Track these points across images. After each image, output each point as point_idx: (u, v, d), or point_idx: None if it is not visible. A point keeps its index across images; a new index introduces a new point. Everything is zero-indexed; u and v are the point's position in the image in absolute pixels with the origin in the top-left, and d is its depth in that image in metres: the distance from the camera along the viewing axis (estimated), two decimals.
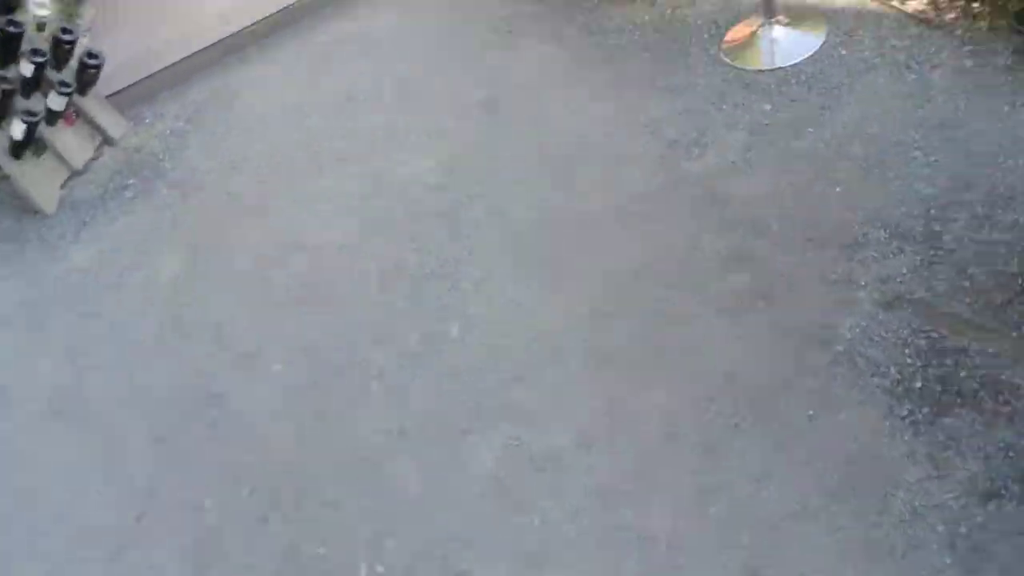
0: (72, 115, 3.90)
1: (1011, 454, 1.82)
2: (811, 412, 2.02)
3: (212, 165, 3.70)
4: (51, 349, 3.01)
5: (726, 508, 1.93)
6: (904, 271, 2.21)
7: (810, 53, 2.93)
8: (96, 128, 4.13)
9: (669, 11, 3.40)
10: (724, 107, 2.84)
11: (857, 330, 2.13)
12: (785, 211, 2.47)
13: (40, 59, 3.52)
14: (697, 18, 3.31)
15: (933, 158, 2.44)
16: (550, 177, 2.91)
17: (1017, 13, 2.68)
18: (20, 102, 3.60)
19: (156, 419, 2.62)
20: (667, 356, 2.26)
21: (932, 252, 2.22)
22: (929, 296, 2.14)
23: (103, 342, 2.95)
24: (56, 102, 3.67)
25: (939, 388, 1.97)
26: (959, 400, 1.93)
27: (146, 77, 4.55)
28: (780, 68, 2.91)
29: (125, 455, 2.56)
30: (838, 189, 2.48)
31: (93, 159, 4.05)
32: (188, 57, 4.57)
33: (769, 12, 3.03)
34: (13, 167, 3.66)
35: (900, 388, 1.99)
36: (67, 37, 3.68)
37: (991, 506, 1.76)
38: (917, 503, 1.80)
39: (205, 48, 4.58)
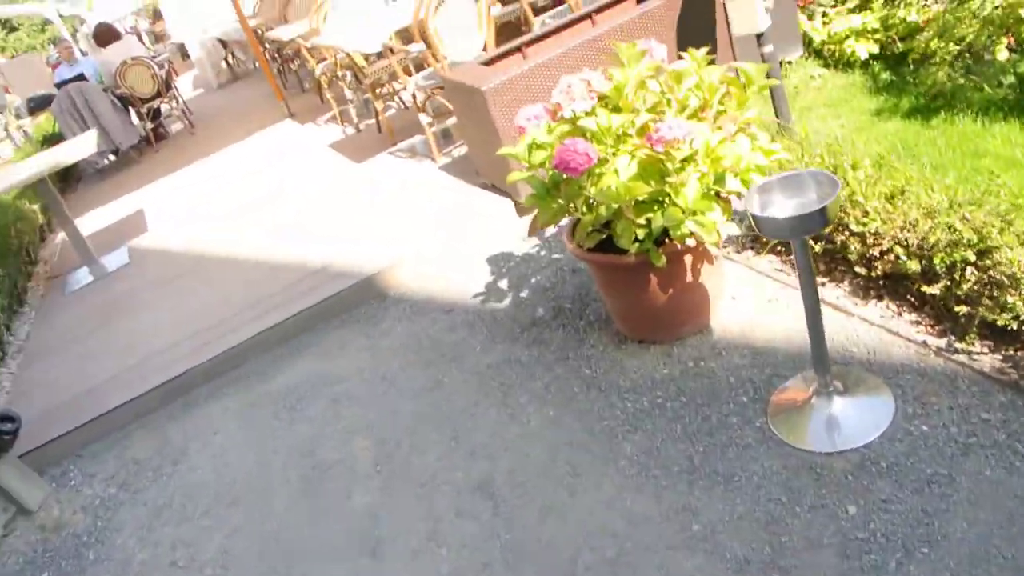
0: None
1: None
2: None
3: (147, 556, 2.97)
4: None
5: None
6: None
7: (883, 429, 2.42)
8: (7, 497, 3.43)
9: (692, 364, 2.94)
10: (797, 509, 2.26)
11: None
12: None
13: None
14: (727, 374, 2.84)
15: None
16: None
17: None
18: None
19: None
20: None
21: None
22: None
23: None
24: None
25: None
26: None
27: (75, 428, 3.94)
28: (851, 449, 2.39)
29: None
30: None
31: (2, 536, 3.32)
32: (126, 403, 4.01)
33: (822, 369, 2.56)
34: None
35: None
36: None
37: None
38: None
39: (146, 392, 4.03)
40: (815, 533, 2.17)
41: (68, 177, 9.90)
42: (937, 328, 2.72)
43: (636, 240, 2.68)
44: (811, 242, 3.01)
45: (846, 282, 3.07)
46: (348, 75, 6.79)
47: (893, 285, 2.92)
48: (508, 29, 6.27)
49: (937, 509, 2.14)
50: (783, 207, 2.26)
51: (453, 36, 5.44)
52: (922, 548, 2.05)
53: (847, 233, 2.93)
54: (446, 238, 4.52)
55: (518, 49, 4.76)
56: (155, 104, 9.92)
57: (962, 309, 2.57)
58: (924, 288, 2.68)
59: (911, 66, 4.76)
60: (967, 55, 4.39)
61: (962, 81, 4.35)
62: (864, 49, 5.00)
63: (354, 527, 2.76)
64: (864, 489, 2.25)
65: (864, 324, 2.85)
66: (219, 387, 3.88)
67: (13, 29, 30.31)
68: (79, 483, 3.58)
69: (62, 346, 4.89)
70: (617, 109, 2.69)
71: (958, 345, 2.62)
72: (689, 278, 2.90)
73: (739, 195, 2.67)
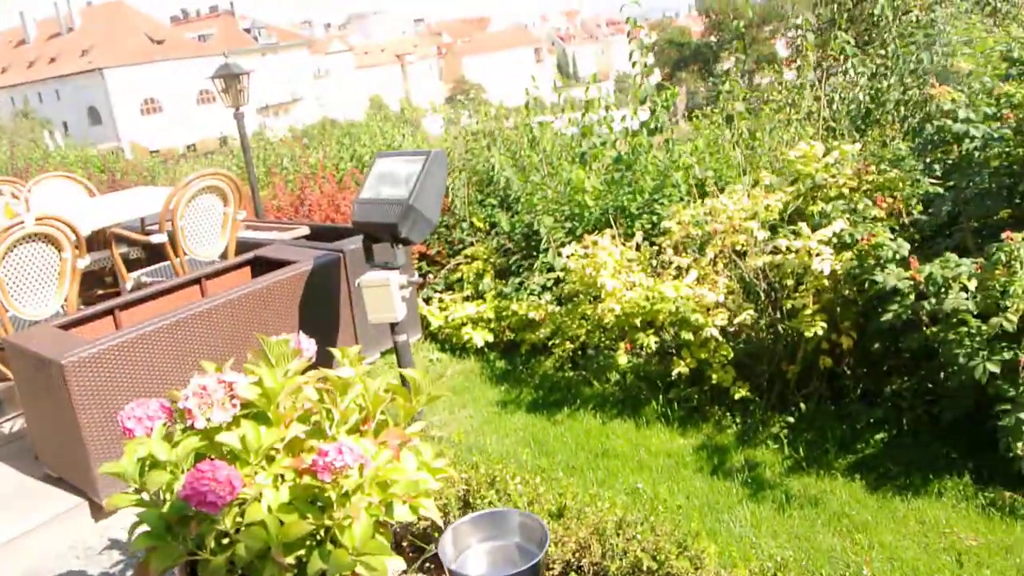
0: None
1: None
2: None
3: None
4: None
5: None
6: None
7: None
8: None
9: None
10: None
11: None
12: None
13: None
14: None
15: None
16: None
17: None
18: None
19: None
20: None
21: None
22: None
23: None
24: None
25: None
26: None
27: None
28: None
29: None
30: None
31: None
32: None
33: None
34: None
35: None
36: None
37: None
38: None
39: None
40: None
41: None
42: None
43: None
44: None
45: None
46: None
47: None
48: (91, 280, 5.41)
49: None
50: (478, 555, 1.89)
51: (196, 235, 4.86)
52: None
53: None
54: None
55: (109, 312, 4.01)
56: None
57: None
58: None
59: (524, 356, 4.96)
60: (579, 352, 4.68)
61: (573, 375, 4.59)
62: (480, 337, 5.13)
63: None
64: None
65: None
66: None
67: None
68: None
69: None
70: (266, 420, 2.17)
71: None
72: None
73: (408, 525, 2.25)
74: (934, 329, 3.49)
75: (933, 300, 3.43)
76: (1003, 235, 3.35)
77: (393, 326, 3.90)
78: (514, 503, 2.68)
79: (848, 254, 3.93)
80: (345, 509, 2.08)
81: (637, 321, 4.35)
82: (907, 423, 3.81)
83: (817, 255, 3.92)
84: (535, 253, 5.55)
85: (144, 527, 2.09)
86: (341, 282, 4.40)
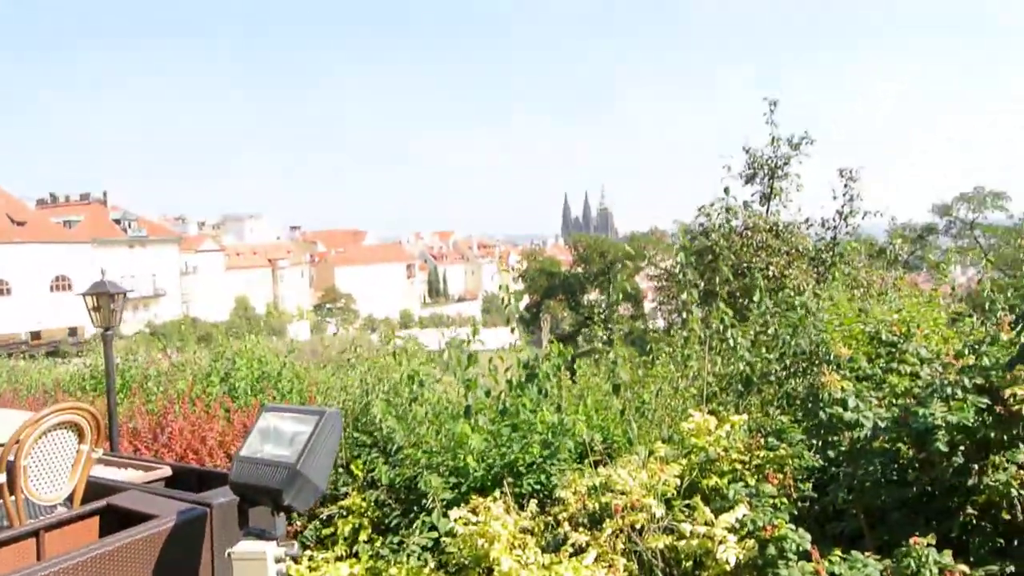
0: None
1: None
2: None
3: None
4: None
5: None
6: None
7: None
8: None
9: None
10: None
11: None
12: None
13: None
14: None
15: None
16: None
17: None
18: None
19: None
20: None
21: None
22: None
23: None
24: None
25: None
26: None
27: None
28: None
29: None
30: None
31: None
32: None
33: None
34: None
35: None
36: None
37: None
38: None
39: None
40: None
41: None
42: None
43: None
44: None
45: None
46: None
47: None
48: None
49: None
50: None
51: (42, 475, 4.25)
52: None
53: None
54: None
55: None
56: None
57: None
58: None
59: None
60: None
61: None
62: None
63: None
64: None
65: None
66: None
67: None
68: None
69: None
70: None
71: None
72: None
73: None
74: None
75: None
76: (911, 540, 3.36)
77: None
78: None
79: (751, 542, 3.84)
80: None
81: None
82: None
83: (721, 542, 3.82)
84: (416, 509, 5.21)
85: None
86: (205, 547, 3.91)
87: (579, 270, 50.90)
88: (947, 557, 3.32)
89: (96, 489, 4.46)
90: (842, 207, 12.35)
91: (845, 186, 12.29)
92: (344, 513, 5.34)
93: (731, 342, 6.05)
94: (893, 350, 5.14)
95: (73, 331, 61.56)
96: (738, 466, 4.57)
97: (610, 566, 4.06)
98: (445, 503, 4.97)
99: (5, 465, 4.15)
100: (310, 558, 5.03)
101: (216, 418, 6.50)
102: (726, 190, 11.14)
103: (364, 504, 5.35)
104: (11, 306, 60.71)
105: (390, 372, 6.60)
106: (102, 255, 67.73)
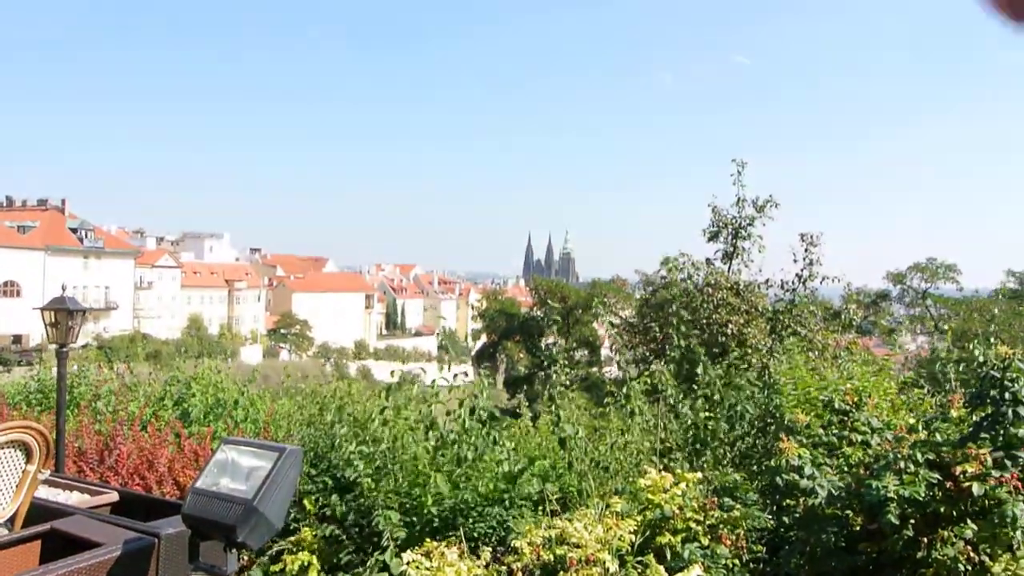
0: None
1: None
2: None
3: None
4: None
5: None
6: None
7: None
8: None
9: None
10: None
11: None
12: None
13: None
14: None
15: None
16: None
17: None
18: None
19: None
20: None
21: None
22: None
23: None
24: None
25: None
26: None
27: None
28: None
29: None
30: None
31: None
32: None
33: None
34: None
35: None
36: None
37: None
38: None
39: None
40: None
41: None
42: None
43: None
44: None
45: None
46: None
47: None
48: None
49: None
50: None
51: None
52: None
53: None
54: None
55: None
56: None
57: None
58: None
59: None
60: None
61: None
62: None
63: None
64: None
65: None
66: None
67: None
68: None
69: None
70: None
71: None
72: None
73: None
74: None
75: None
76: None
77: None
78: None
79: None
80: None
81: None
82: None
83: None
84: (368, 547, 5.13)
85: None
86: None
87: (538, 313, 51.01)
88: None
89: (39, 512, 4.32)
90: (802, 270, 12.61)
91: (806, 250, 12.55)
92: (294, 549, 5.23)
93: (678, 408, 6.15)
94: (845, 418, 5.25)
95: (18, 339, 59.92)
96: (693, 524, 4.59)
97: None
98: (399, 542, 4.91)
99: None
100: None
101: (166, 444, 6.35)
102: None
103: (315, 540, 5.26)
104: None
105: (351, 401, 6.53)
106: (55, 263, 66.29)
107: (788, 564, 4.24)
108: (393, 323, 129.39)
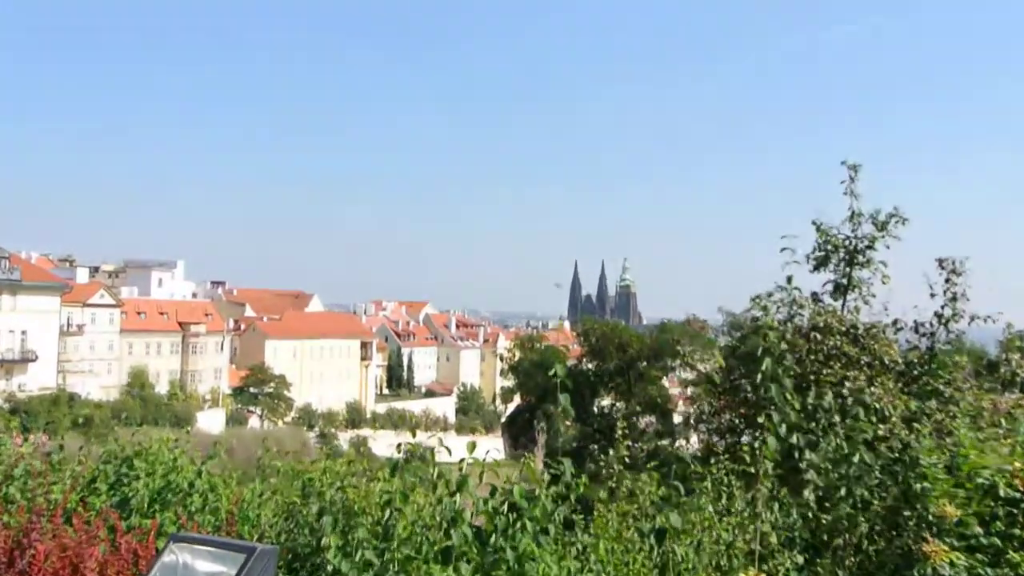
0: None
1: None
2: None
3: None
4: None
5: None
6: None
7: None
8: None
9: None
10: None
11: None
12: None
13: None
14: None
15: None
16: None
17: None
18: None
19: None
20: None
21: None
22: None
23: None
24: None
25: None
26: None
27: None
28: None
29: None
30: None
31: None
32: None
33: None
34: None
35: None
36: None
37: None
38: None
39: None
40: None
41: None
42: None
43: None
44: None
45: None
46: None
47: None
48: None
49: None
50: None
51: None
52: None
53: None
54: None
55: None
56: None
57: None
58: None
59: None
60: None
61: None
62: None
63: None
64: None
65: None
66: None
67: None
68: None
69: None
70: None
71: None
72: None
73: None
74: None
75: None
76: None
77: None
78: None
79: None
80: None
81: None
82: None
83: None
84: None
85: None
86: None
87: (589, 366, 49.69)
88: None
89: None
90: (942, 308, 12.11)
91: (947, 281, 12.07)
92: None
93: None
94: (1015, 511, 5.08)
95: None
96: None
97: None
98: None
99: None
100: None
101: (97, 541, 6.33)
102: (789, 279, 10.96)
103: None
104: None
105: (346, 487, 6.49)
106: None
107: None
108: (397, 379, 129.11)
